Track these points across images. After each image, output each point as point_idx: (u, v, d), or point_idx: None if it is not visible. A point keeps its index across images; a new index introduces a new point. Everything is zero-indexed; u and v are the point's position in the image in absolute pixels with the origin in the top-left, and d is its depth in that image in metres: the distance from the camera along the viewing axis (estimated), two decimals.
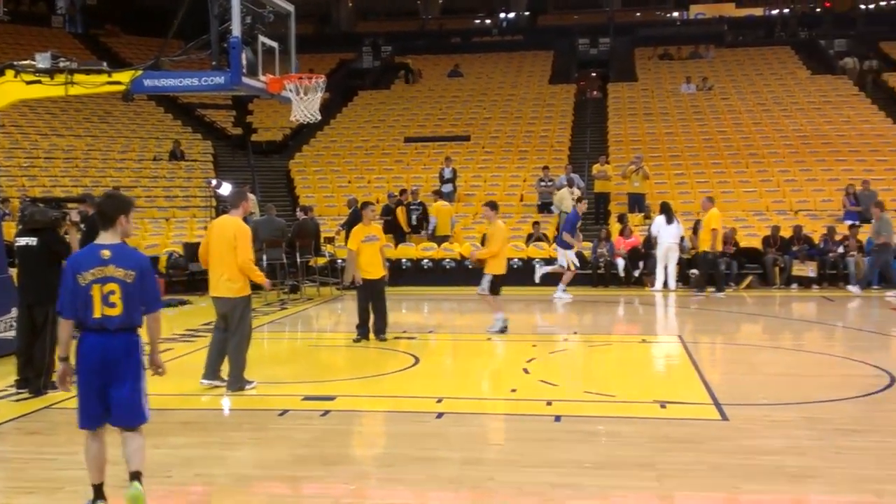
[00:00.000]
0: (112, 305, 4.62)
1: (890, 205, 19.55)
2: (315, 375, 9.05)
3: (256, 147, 26.23)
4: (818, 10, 37.82)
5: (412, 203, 19.20)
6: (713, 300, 15.10)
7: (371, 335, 10.77)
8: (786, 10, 38.72)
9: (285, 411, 7.17)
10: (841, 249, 16.88)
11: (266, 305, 14.83)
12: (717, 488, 5.17)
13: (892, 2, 40.42)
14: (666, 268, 16.45)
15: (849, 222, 17.81)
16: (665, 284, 16.40)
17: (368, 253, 10.73)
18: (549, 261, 16.89)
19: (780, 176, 21.41)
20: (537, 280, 16.48)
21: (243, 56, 8.84)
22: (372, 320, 10.79)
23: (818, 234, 17.61)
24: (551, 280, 17.47)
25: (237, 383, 7.90)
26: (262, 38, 9.38)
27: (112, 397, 4.66)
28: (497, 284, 11.23)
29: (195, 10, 9.17)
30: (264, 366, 9.32)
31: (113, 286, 4.62)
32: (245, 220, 17.54)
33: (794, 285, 16.58)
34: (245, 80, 8.91)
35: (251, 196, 20.45)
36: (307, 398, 7.68)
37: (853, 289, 15.83)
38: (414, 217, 18.95)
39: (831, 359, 9.81)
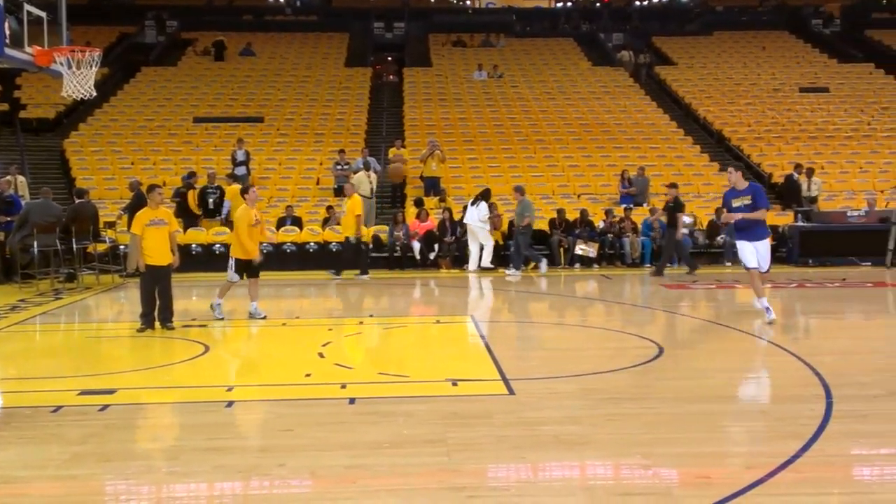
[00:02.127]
0: None
1: (661, 189, 21.23)
2: (94, 368, 8.49)
3: (26, 125, 24.10)
4: (598, 4, 40.17)
5: (208, 186, 18.55)
6: (359, 282, 15.68)
7: (157, 324, 10.29)
8: (569, 3, 40.82)
9: (59, 407, 6.67)
10: (617, 230, 18.10)
11: (38, 295, 13.76)
12: (502, 459, 5.37)
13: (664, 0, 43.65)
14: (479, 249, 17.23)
15: (624, 205, 19.15)
16: (478, 265, 17.11)
17: (154, 237, 10.23)
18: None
19: (565, 161, 22.61)
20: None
21: (6, 25, 8.10)
22: (158, 308, 10.31)
23: (599, 216, 18.80)
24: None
25: None
26: (27, 7, 8.64)
27: None
28: (241, 268, 11.19)
29: None
30: (35, 359, 8.65)
31: None
32: (15, 203, 16.34)
33: (577, 265, 17.60)
34: (8, 51, 8.18)
35: (20, 178, 18.94)
36: (84, 392, 7.18)
37: (509, 272, 16.61)
38: (211, 201, 18.33)
39: (608, 333, 10.50)
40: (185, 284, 14.37)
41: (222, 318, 11.05)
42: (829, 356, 8.19)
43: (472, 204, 17.22)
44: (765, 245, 10.58)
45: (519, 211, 16.84)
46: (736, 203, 10.47)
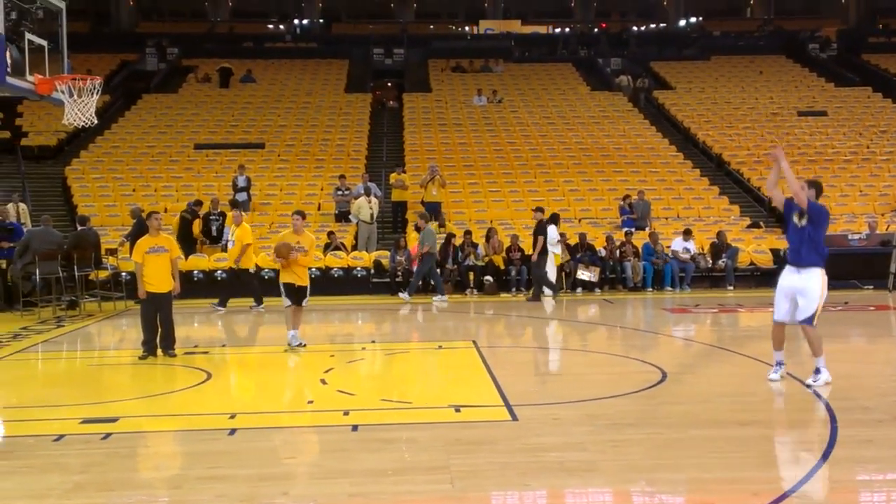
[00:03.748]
0: None
1: (662, 213, 21.29)
2: (96, 396, 8.46)
3: (27, 152, 24.18)
4: (595, 30, 40.48)
5: (212, 213, 18.59)
6: (255, 312, 15.01)
7: (159, 351, 10.26)
8: (567, 29, 41.12)
9: (61, 436, 6.64)
10: (618, 255, 18.09)
11: (40, 323, 13.74)
12: (506, 486, 5.35)
13: (661, 25, 44.09)
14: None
15: (625, 229, 19.15)
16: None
17: (154, 264, 10.22)
18: None
19: (565, 186, 22.64)
20: None
21: (8, 54, 8.17)
22: (159, 336, 10.28)
23: (599, 240, 18.79)
24: (353, 287, 17.58)
25: None
26: (29, 36, 8.72)
27: None
28: (288, 293, 10.78)
29: None
30: (37, 388, 8.61)
31: None
32: (16, 230, 16.38)
33: (579, 289, 17.57)
34: (10, 80, 8.27)
35: (22, 205, 18.97)
36: (86, 421, 7.16)
37: (403, 296, 16.58)
38: (214, 227, 18.36)
39: (611, 357, 10.46)
40: (186, 311, 14.35)
41: (304, 345, 10.74)
42: (833, 381, 8.15)
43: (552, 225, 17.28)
44: (809, 279, 8.67)
45: (420, 238, 16.86)
46: (796, 220, 8.65)
